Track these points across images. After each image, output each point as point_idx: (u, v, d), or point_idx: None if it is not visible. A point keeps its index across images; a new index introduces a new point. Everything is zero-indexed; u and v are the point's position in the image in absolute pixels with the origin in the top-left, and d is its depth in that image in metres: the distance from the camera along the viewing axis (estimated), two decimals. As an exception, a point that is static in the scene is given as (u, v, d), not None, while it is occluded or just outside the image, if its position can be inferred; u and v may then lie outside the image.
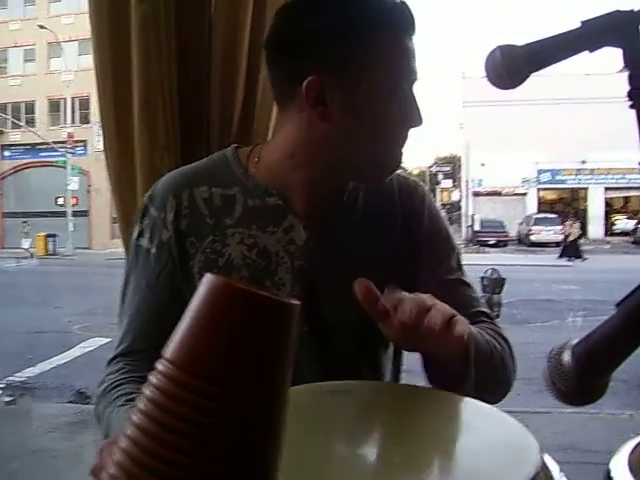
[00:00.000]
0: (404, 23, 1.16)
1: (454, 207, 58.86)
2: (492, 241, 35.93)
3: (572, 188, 43.69)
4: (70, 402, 7.20)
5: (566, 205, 44.87)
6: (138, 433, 0.53)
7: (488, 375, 1.09)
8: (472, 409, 0.86)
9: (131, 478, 0.52)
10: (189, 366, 0.53)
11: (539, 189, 42.90)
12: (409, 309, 0.93)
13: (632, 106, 0.80)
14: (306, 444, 0.75)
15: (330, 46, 1.13)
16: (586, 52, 0.85)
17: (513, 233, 38.34)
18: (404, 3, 1.17)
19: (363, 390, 0.93)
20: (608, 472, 0.76)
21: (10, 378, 8.30)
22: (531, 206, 41.89)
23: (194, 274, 1.22)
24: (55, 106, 38.74)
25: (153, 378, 0.54)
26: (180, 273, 1.23)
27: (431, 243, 1.29)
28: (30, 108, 39.47)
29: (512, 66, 0.86)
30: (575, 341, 0.68)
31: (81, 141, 36.10)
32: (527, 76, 0.87)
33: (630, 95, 0.83)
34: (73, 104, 36.41)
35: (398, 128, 1.18)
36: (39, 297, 15.23)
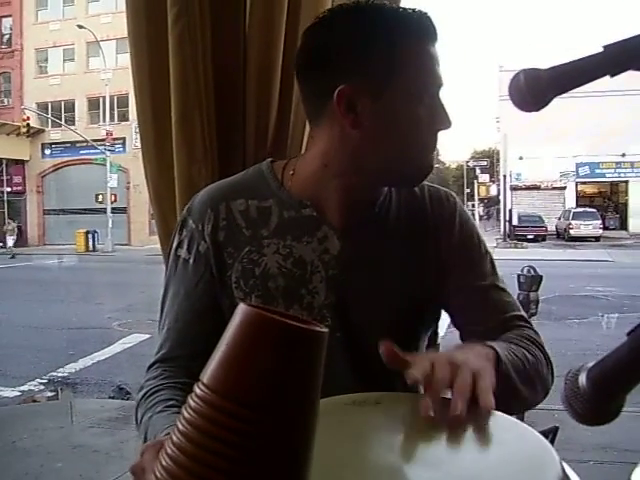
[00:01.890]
0: (425, 31, 1.21)
1: (492, 201, 58.29)
2: (530, 236, 35.60)
3: (612, 182, 43.07)
4: (111, 397, 7.34)
5: (606, 199, 44.29)
6: (177, 452, 0.57)
7: (522, 391, 1.12)
8: (497, 422, 0.89)
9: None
10: (223, 391, 0.57)
11: (578, 183, 42.34)
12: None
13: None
14: (332, 455, 0.79)
15: (356, 57, 1.19)
16: (607, 76, 0.88)
17: (552, 227, 37.94)
18: (424, 12, 1.22)
19: (392, 402, 0.96)
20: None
21: (52, 373, 8.49)
22: (570, 200, 41.41)
23: (231, 283, 1.27)
24: (94, 104, 39.22)
25: (191, 401, 0.59)
26: (218, 282, 1.28)
27: (463, 250, 1.33)
28: (70, 107, 40.00)
29: (536, 90, 0.89)
30: (591, 364, 0.71)
31: (120, 139, 36.54)
32: (551, 99, 0.90)
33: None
34: (112, 102, 36.83)
35: (427, 131, 1.23)
36: (80, 293, 15.49)
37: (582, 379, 0.70)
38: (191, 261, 1.29)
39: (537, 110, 0.91)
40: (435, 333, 1.48)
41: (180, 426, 0.58)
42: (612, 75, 0.88)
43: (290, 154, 1.59)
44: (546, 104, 0.91)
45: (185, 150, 1.55)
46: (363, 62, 1.18)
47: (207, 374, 0.59)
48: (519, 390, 1.11)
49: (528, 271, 6.36)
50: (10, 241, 32.48)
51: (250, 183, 1.33)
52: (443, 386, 0.92)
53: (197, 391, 0.59)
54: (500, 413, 0.91)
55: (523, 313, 1.33)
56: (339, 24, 1.22)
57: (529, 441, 0.83)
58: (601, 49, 0.87)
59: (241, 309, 0.59)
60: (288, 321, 0.58)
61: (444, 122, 1.23)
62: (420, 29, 1.20)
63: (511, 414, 0.99)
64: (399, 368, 0.97)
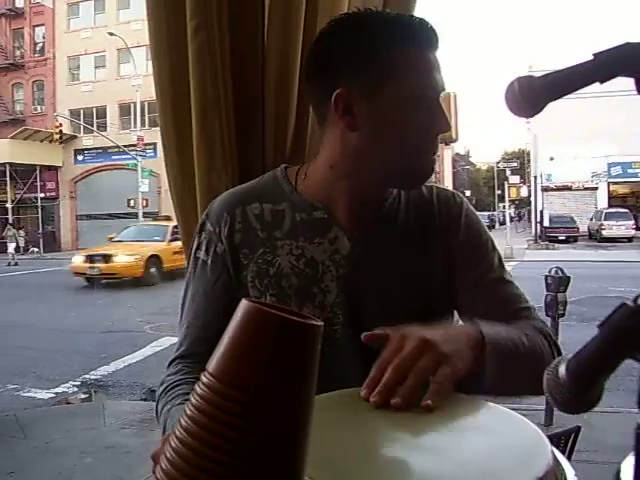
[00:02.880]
0: (423, 38, 1.26)
1: (523, 203, 57.81)
2: (562, 237, 35.32)
3: (645, 181, 42.58)
4: (142, 399, 7.45)
5: (638, 199, 43.76)
6: (185, 435, 0.63)
7: (515, 374, 1.14)
8: (491, 413, 0.94)
9: (178, 471, 0.62)
10: (227, 379, 0.63)
11: (610, 183, 41.92)
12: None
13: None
14: (335, 443, 0.85)
15: (351, 61, 1.25)
16: (598, 82, 0.92)
17: (583, 228, 37.58)
18: (424, 20, 1.27)
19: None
20: (618, 472, 0.82)
21: (85, 376, 8.64)
22: (602, 201, 40.98)
23: (247, 283, 1.34)
24: (125, 110, 39.68)
25: (198, 388, 0.64)
26: (234, 282, 1.34)
27: (470, 247, 1.37)
28: (101, 113, 40.56)
29: (530, 96, 0.93)
30: (570, 356, 0.75)
31: (151, 144, 36.82)
32: (544, 105, 0.94)
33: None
34: (142, 108, 37.19)
35: (424, 135, 1.27)
36: (112, 297, 15.71)
37: (562, 370, 0.75)
38: (209, 262, 1.35)
39: (532, 116, 0.95)
40: None
41: (188, 411, 0.64)
42: (602, 82, 0.92)
43: (309, 159, 1.64)
44: (540, 110, 0.95)
45: (205, 157, 1.61)
46: (359, 66, 1.24)
47: (212, 364, 0.64)
48: (511, 373, 1.13)
49: (556, 272, 6.34)
50: (10, 247, 31.11)
51: (265, 188, 1.39)
52: (404, 366, 1.01)
53: (203, 379, 0.64)
54: (495, 404, 0.96)
55: (531, 305, 1.36)
56: (338, 31, 1.28)
57: (522, 431, 0.87)
58: (591, 57, 0.92)
59: (242, 304, 0.65)
60: (285, 315, 0.63)
61: (442, 126, 1.27)
62: (418, 35, 1.25)
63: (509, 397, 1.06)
64: (377, 345, 1.07)
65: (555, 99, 0.94)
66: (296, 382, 0.64)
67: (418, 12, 1.82)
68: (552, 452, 0.82)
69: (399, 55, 1.23)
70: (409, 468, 0.81)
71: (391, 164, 1.28)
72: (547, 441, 0.84)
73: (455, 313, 1.43)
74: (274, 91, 1.66)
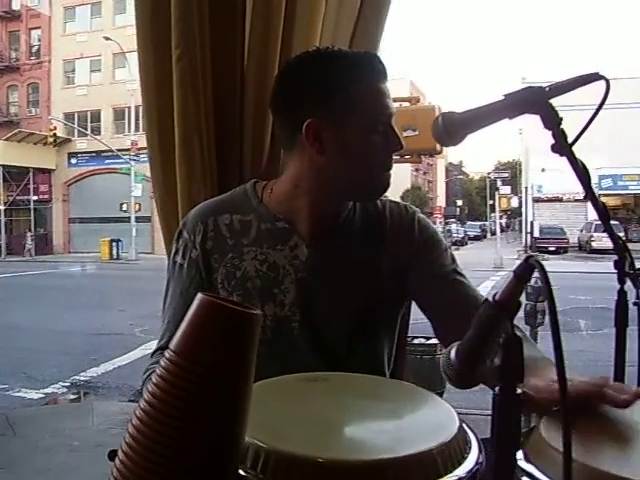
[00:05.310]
0: (376, 72, 1.47)
1: (515, 213, 58.15)
2: (552, 248, 35.57)
3: (635, 194, 42.86)
4: (131, 401, 7.58)
5: (629, 211, 44.06)
6: (151, 397, 0.80)
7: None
8: (416, 395, 1.12)
9: (147, 426, 0.80)
10: (184, 354, 0.80)
11: (600, 195, 41.82)
12: None
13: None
14: (276, 414, 1.02)
15: (321, 95, 1.44)
16: (507, 119, 1.11)
17: (573, 240, 37.87)
18: (374, 54, 1.50)
19: (338, 379, 1.19)
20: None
21: (75, 377, 8.75)
22: (592, 212, 40.73)
23: (217, 284, 1.53)
24: (120, 114, 39.83)
25: (162, 362, 0.82)
26: (206, 283, 1.53)
27: (424, 248, 1.55)
28: (96, 117, 40.71)
29: (452, 129, 1.12)
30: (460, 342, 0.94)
31: (144, 148, 36.06)
32: (464, 136, 1.13)
33: (553, 148, 1.10)
34: (137, 112, 37.25)
35: (382, 154, 1.47)
36: (103, 300, 15.81)
37: (452, 353, 0.93)
38: (185, 265, 1.54)
39: (454, 145, 1.15)
40: (406, 326, 1.71)
41: (154, 379, 0.81)
42: (510, 118, 1.11)
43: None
44: (461, 140, 1.14)
45: (185, 171, 1.79)
46: (326, 99, 1.43)
47: (174, 343, 0.82)
48: None
49: (535, 282, 6.51)
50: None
51: (235, 200, 1.58)
52: None
53: (166, 355, 0.82)
54: (422, 389, 1.13)
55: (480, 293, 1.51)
56: (305, 67, 1.48)
57: (439, 410, 1.05)
58: (502, 97, 1.10)
59: (198, 297, 0.82)
60: (231, 306, 0.80)
61: (396, 145, 1.47)
62: (372, 70, 1.46)
63: None
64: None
65: (472, 132, 1.13)
66: (238, 357, 0.81)
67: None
68: (461, 426, 1.00)
69: (361, 88, 1.43)
70: (333, 432, 0.99)
71: (352, 182, 1.47)
72: (457, 418, 1.01)
73: (399, 316, 1.61)
74: (252, 114, 1.84)
